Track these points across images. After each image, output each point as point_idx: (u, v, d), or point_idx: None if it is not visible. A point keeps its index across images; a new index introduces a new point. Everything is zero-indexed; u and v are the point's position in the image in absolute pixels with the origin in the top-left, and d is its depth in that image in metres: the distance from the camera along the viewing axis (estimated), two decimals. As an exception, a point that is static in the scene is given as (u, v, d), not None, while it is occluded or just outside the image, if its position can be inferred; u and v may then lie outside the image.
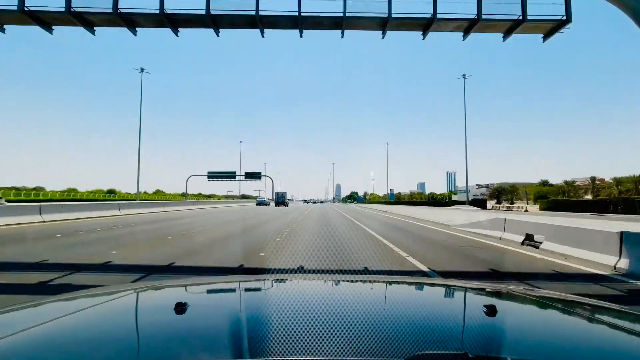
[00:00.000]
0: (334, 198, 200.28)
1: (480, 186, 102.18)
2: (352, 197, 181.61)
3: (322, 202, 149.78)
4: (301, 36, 9.99)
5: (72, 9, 9.02)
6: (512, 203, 65.26)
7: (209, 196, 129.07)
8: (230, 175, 66.43)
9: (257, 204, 53.24)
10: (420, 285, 1.54)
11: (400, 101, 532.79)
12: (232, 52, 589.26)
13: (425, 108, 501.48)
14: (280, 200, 50.47)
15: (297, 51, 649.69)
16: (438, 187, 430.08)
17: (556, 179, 77.52)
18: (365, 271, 5.62)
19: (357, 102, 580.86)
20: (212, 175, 66.12)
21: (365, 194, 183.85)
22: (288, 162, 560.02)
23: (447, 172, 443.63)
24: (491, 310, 0.99)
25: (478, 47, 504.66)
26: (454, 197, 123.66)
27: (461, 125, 49.03)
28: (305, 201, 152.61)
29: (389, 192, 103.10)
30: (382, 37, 9.99)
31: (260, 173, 68.30)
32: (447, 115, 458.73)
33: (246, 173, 67.43)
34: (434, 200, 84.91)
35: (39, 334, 0.82)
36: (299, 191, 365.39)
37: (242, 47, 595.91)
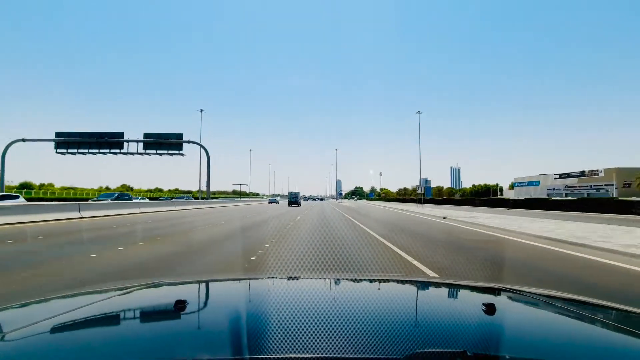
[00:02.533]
0: (339, 194, 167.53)
1: (565, 175, 65.25)
2: (357, 193, 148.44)
3: (321, 199, 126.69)
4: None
5: None
6: None
7: (186, 193, 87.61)
8: (111, 141, 29.16)
9: (268, 202, 55.01)
10: (419, 284, 1.53)
11: (399, 100, 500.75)
12: (227, 39, 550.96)
13: (423, 106, 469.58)
14: (293, 199, 46.97)
15: (295, 51, 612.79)
16: (440, 182, 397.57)
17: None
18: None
19: (356, 100, 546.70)
20: (67, 142, 28.85)
21: (373, 188, 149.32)
22: (285, 159, 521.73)
23: (452, 167, 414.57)
24: (490, 309, 0.98)
25: (475, 47, 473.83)
26: (507, 193, 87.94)
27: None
28: (306, 198, 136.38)
29: (420, 184, 67.12)
30: None
31: (181, 136, 31.25)
32: (446, 114, 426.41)
33: (146, 135, 30.25)
34: (495, 199, 48.17)
35: (39, 330, 0.83)
36: (297, 187, 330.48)
37: (238, 33, 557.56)
